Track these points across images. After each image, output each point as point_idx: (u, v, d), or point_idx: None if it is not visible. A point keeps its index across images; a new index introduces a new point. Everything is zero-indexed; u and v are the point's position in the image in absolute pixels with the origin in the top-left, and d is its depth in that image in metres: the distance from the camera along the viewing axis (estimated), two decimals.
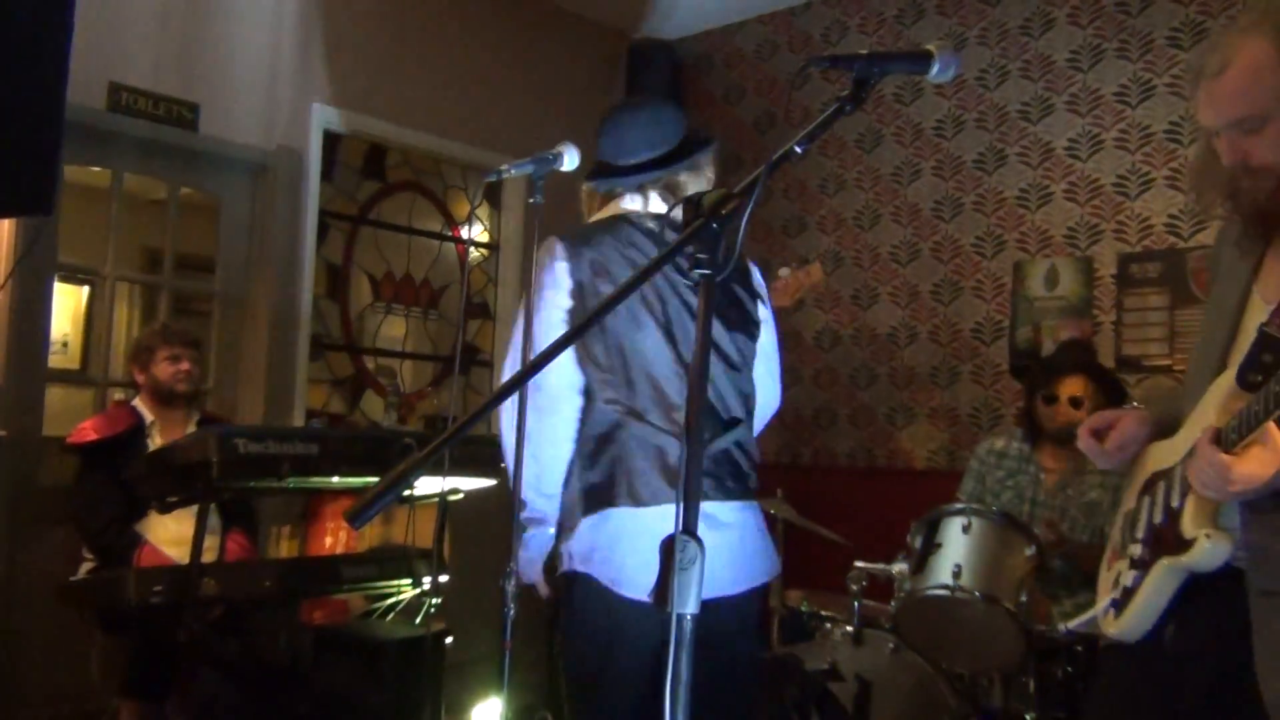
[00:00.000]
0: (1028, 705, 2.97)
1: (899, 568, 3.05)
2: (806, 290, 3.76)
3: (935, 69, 1.52)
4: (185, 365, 3.73)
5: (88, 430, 3.59)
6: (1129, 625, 1.78)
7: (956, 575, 2.85)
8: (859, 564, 3.24)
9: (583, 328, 1.38)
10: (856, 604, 3.21)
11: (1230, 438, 1.62)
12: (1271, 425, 1.55)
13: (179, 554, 3.50)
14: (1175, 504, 1.75)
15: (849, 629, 3.22)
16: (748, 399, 2.38)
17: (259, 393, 4.50)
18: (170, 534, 3.55)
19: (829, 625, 3.36)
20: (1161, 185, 4.21)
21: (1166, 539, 1.75)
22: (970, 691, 3.10)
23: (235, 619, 3.51)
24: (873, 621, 3.29)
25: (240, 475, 2.84)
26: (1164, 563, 1.73)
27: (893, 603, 3.07)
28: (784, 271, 3.89)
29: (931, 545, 2.97)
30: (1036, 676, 2.96)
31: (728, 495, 2.24)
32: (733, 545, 2.21)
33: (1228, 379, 1.72)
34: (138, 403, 3.76)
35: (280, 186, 4.58)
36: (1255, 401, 1.60)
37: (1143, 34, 4.32)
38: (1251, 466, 1.56)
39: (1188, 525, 1.69)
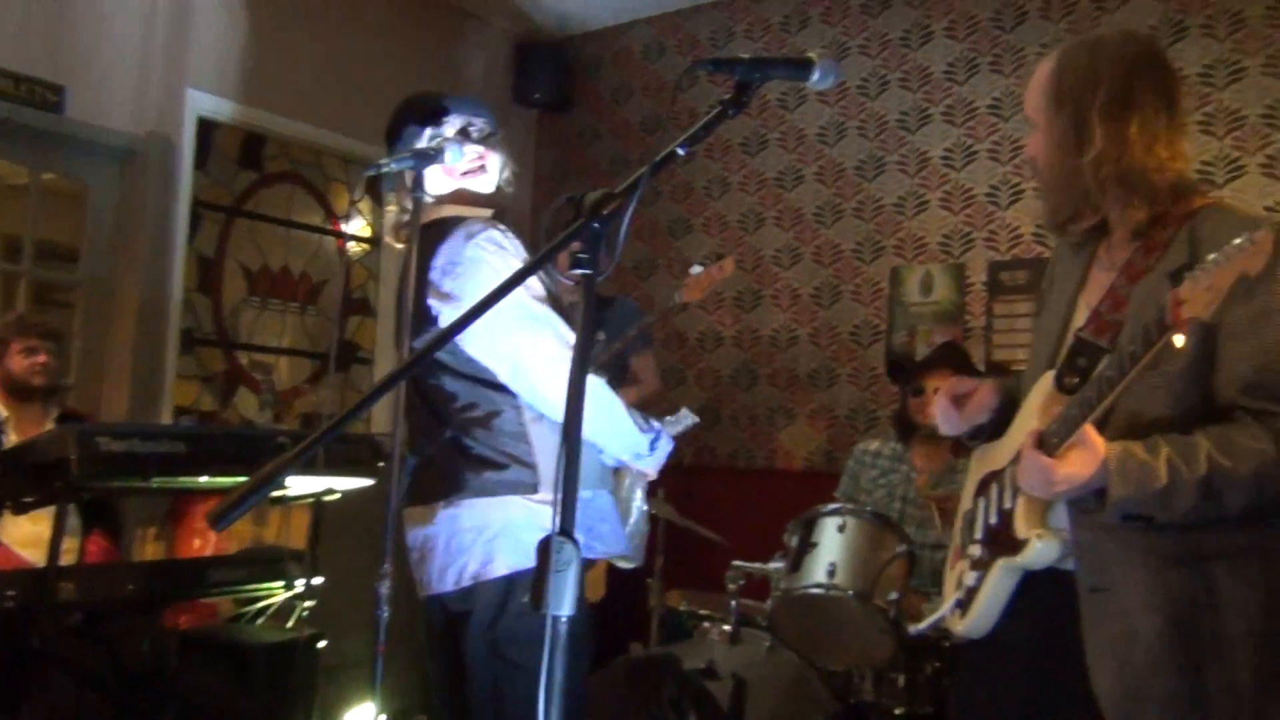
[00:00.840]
0: (898, 700, 3.04)
1: (775, 567, 3.09)
2: (720, 285, 3.81)
3: (816, 76, 1.55)
4: (41, 358, 3.57)
5: None
6: (973, 624, 1.84)
7: (831, 574, 2.90)
8: (737, 563, 3.28)
9: (462, 325, 1.36)
10: (734, 603, 3.25)
11: (1052, 440, 1.69)
12: (1088, 427, 1.63)
13: (35, 555, 3.34)
14: (1007, 505, 1.83)
15: (726, 628, 3.26)
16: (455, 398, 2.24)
17: (124, 389, 4.33)
18: (25, 534, 3.38)
19: (707, 624, 3.40)
20: (1030, 196, 4.37)
21: (1001, 539, 1.82)
22: (843, 687, 3.16)
23: (96, 624, 3.37)
24: (750, 620, 3.33)
25: (102, 475, 2.72)
26: (1000, 563, 1.80)
27: (769, 601, 3.11)
28: (695, 269, 3.92)
29: (807, 544, 3.02)
30: (906, 672, 3.04)
31: (428, 499, 2.21)
32: (437, 547, 2.19)
33: (1047, 382, 1.82)
34: None
35: (151, 174, 4.41)
36: (1072, 405, 1.69)
37: (1015, 49, 4.47)
38: (1072, 467, 1.64)
39: (1020, 526, 1.76)
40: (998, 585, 1.80)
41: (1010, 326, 4.38)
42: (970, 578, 1.87)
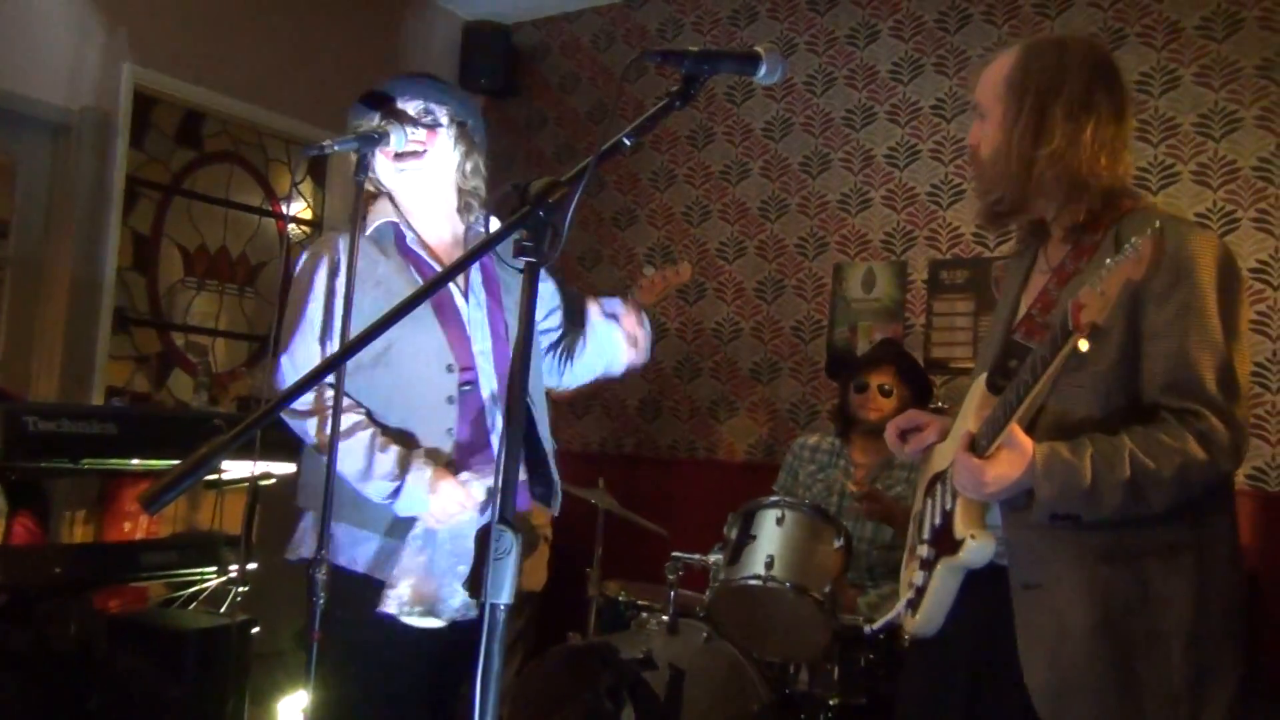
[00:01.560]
0: (832, 691, 3.08)
1: (715, 558, 3.12)
2: (673, 289, 3.82)
3: (763, 71, 1.56)
4: None
5: None
6: (923, 623, 1.87)
7: (769, 566, 2.92)
8: (676, 554, 3.29)
9: (406, 308, 1.35)
10: (672, 593, 3.27)
11: (982, 443, 1.73)
12: (1015, 428, 1.67)
13: None
14: (948, 506, 1.87)
15: (664, 618, 3.27)
16: None
17: (54, 367, 4.23)
18: None
19: (645, 615, 3.41)
20: (971, 197, 4.42)
21: (944, 539, 1.86)
22: (779, 678, 3.20)
23: (21, 607, 3.30)
24: (688, 611, 3.35)
25: (29, 455, 2.67)
26: (943, 562, 1.83)
27: (708, 592, 3.13)
28: (649, 270, 3.91)
29: (747, 536, 3.05)
30: (840, 664, 3.08)
31: None
32: None
33: (980, 384, 1.85)
34: None
35: (84, 149, 4.30)
36: (999, 406, 1.73)
37: (959, 51, 4.53)
38: (1001, 468, 1.68)
39: (958, 526, 1.80)
40: (942, 584, 1.83)
41: (949, 324, 4.45)
42: (919, 577, 1.90)
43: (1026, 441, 1.66)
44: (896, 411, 3.60)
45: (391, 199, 2.37)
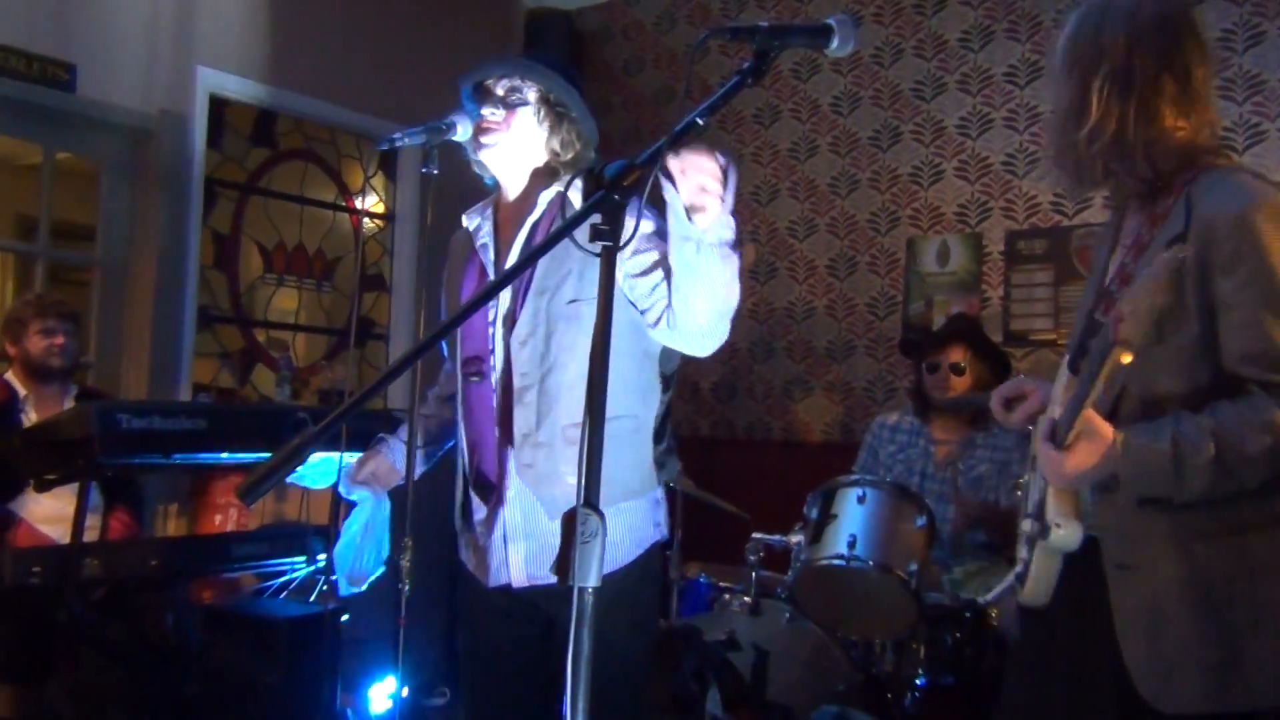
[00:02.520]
0: (918, 670, 3.05)
1: (795, 539, 3.10)
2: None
3: (835, 43, 1.53)
4: (59, 339, 3.58)
5: None
6: (1030, 595, 1.84)
7: (851, 545, 2.90)
8: (756, 535, 3.28)
9: (490, 293, 1.35)
10: (754, 574, 3.26)
11: (1062, 431, 1.67)
12: (1092, 416, 1.61)
13: (56, 532, 3.38)
14: (1043, 486, 1.82)
15: (746, 599, 3.27)
16: None
17: (143, 367, 4.35)
18: (47, 511, 3.42)
19: (727, 596, 3.41)
20: (1049, 164, 4.32)
21: (1040, 519, 1.82)
22: (864, 658, 3.17)
23: (120, 599, 3.40)
24: (769, 592, 3.34)
25: (123, 452, 2.74)
26: (1038, 543, 1.80)
27: (789, 573, 3.12)
28: None
29: (827, 516, 3.02)
30: (927, 643, 3.05)
31: None
32: None
33: (1064, 365, 1.81)
34: (10, 376, 3.61)
35: (164, 152, 4.41)
36: (1077, 390, 1.66)
37: (1031, 15, 4.42)
38: (1080, 459, 1.63)
39: (1048, 510, 1.76)
40: (1043, 562, 1.80)
41: (1028, 296, 4.36)
42: (1024, 551, 1.87)
43: (1104, 428, 1.61)
44: (971, 389, 3.54)
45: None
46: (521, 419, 2.13)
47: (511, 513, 2.15)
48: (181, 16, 4.46)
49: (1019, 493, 2.91)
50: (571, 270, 2.15)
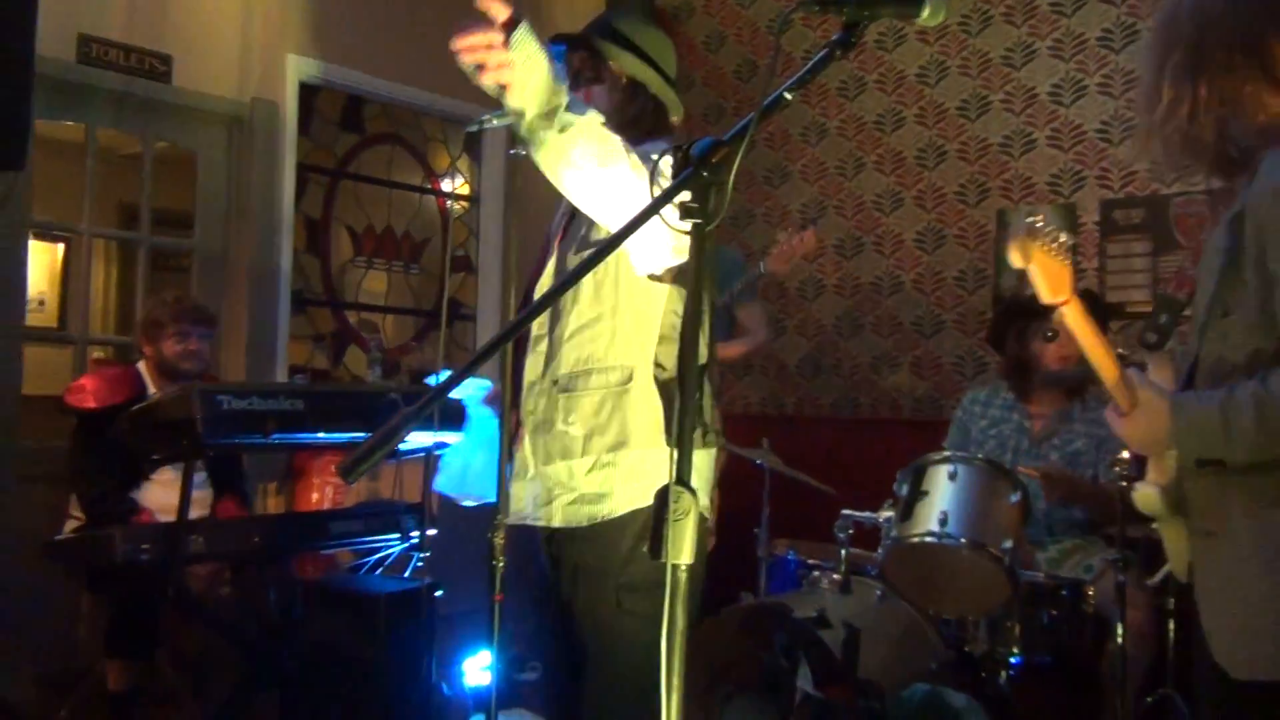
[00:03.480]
0: (1013, 648, 3.00)
1: (886, 515, 3.07)
2: (801, 257, 3.80)
3: (926, 11, 1.49)
4: (193, 344, 3.63)
5: (87, 396, 3.48)
6: (1176, 570, 1.86)
7: (943, 522, 2.86)
8: (846, 512, 3.26)
9: (577, 276, 1.36)
10: (844, 552, 3.24)
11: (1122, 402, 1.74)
12: (1140, 390, 1.70)
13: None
14: None
15: (836, 576, 3.25)
16: None
17: (240, 349, 4.47)
18: (167, 501, 3.52)
19: (816, 573, 3.39)
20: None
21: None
22: (957, 636, 3.14)
23: (225, 575, 3.52)
24: (859, 569, 3.32)
25: (225, 432, 2.82)
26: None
27: (879, 550, 3.09)
28: (782, 236, 3.91)
29: (918, 493, 2.99)
30: (1021, 621, 3.00)
31: None
32: None
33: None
34: (143, 369, 3.66)
35: (257, 139, 4.51)
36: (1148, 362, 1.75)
37: None
38: (1139, 427, 1.72)
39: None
40: (1166, 534, 1.83)
41: (1125, 267, 4.23)
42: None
43: (1154, 398, 1.69)
44: (1081, 360, 3.46)
45: None
46: (530, 366, 2.21)
47: (521, 455, 2.22)
48: (273, 5, 4.55)
49: (1116, 469, 2.85)
50: (586, 217, 2.15)
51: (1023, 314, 3.59)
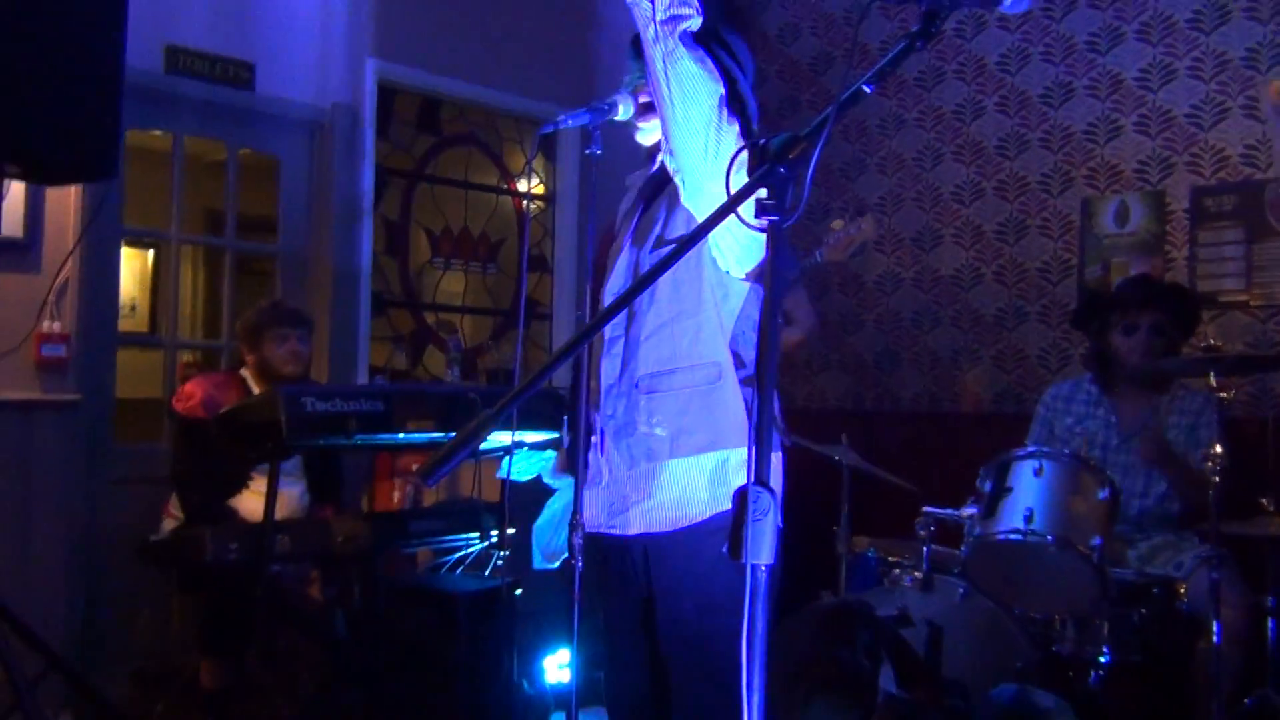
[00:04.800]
0: (1101, 648, 2.93)
1: (969, 513, 3.02)
2: (859, 244, 3.72)
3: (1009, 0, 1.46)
4: (293, 345, 3.67)
5: (196, 405, 3.51)
6: None
7: (1029, 519, 2.81)
8: (927, 509, 3.21)
9: (655, 274, 1.36)
10: (926, 549, 3.19)
11: None
12: None
13: None
14: None
15: (918, 574, 3.20)
16: None
17: (323, 351, 4.54)
18: (257, 509, 3.60)
19: (897, 571, 3.35)
20: (1238, 114, 4.06)
21: None
22: (1043, 635, 3.07)
23: (312, 574, 3.59)
24: (941, 567, 3.27)
25: (309, 434, 2.87)
26: None
27: (963, 547, 3.04)
28: (837, 224, 3.84)
29: (1002, 489, 2.93)
30: (1111, 619, 2.92)
31: None
32: None
33: None
34: (246, 374, 3.72)
35: (337, 144, 4.59)
36: None
37: None
38: None
39: None
40: None
41: (1217, 256, 4.10)
42: None
43: None
44: (1166, 352, 3.36)
45: None
46: (607, 369, 2.16)
47: (596, 460, 2.18)
48: (351, 10, 4.62)
49: (1209, 463, 2.76)
50: (660, 214, 2.15)
51: (1104, 307, 3.51)
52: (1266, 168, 3.99)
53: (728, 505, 2.04)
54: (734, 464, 2.07)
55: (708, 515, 2.06)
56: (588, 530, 2.15)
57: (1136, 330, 3.35)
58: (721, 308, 2.12)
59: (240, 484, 3.55)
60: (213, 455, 3.44)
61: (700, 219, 2.05)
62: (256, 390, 3.67)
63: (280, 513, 3.54)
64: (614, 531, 2.16)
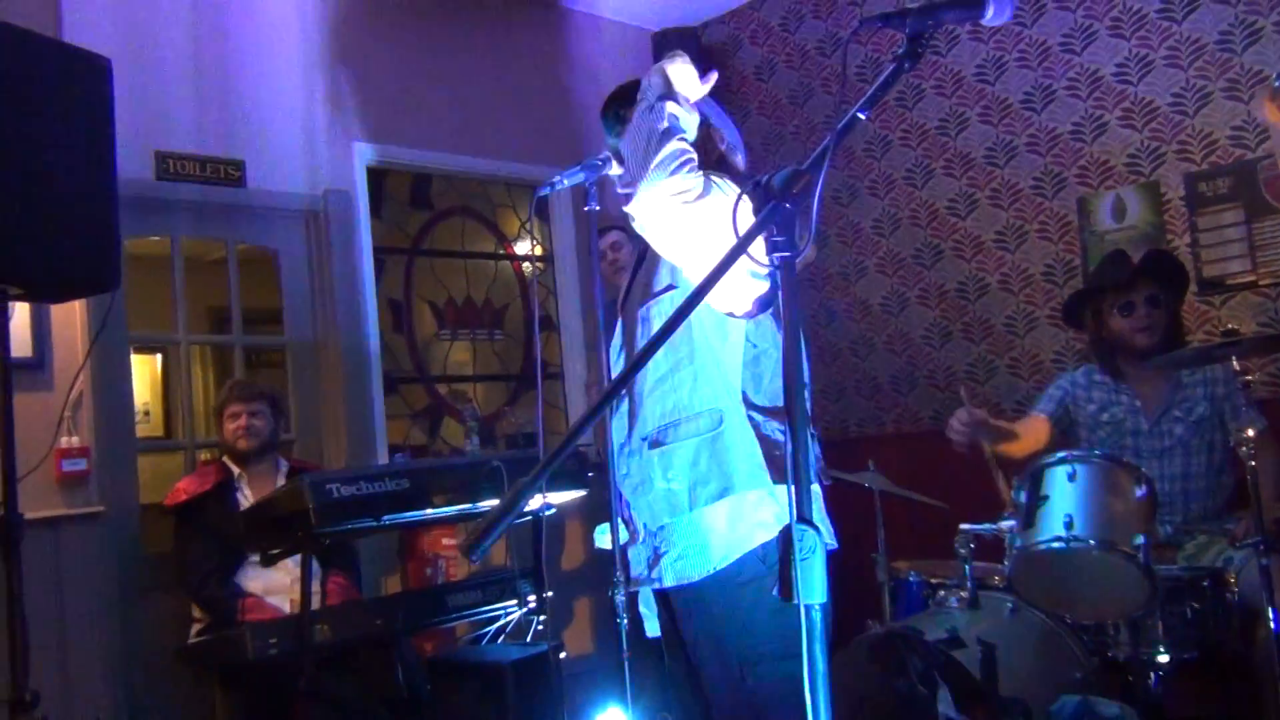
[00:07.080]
0: (1157, 647, 2.88)
1: (1008, 526, 2.98)
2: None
3: (990, 11, 1.47)
4: (242, 422, 3.78)
5: (180, 491, 3.70)
6: None
7: (1069, 525, 2.77)
8: (965, 526, 3.17)
9: (673, 324, 1.35)
10: (968, 567, 3.15)
11: None
12: None
13: (278, 600, 3.56)
14: None
15: (963, 594, 3.16)
16: None
17: (341, 434, 4.54)
18: (272, 583, 3.60)
19: (941, 593, 3.30)
20: (1220, 98, 4.07)
21: None
22: (1096, 641, 3.02)
23: (349, 659, 3.55)
24: (986, 583, 3.23)
25: (338, 520, 2.86)
26: None
27: (1005, 562, 3.00)
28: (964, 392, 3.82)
29: (1038, 498, 2.90)
30: (1164, 618, 2.88)
31: None
32: None
33: None
34: (225, 458, 3.83)
35: (333, 229, 4.61)
36: None
37: None
38: None
39: None
40: None
41: (1219, 239, 4.09)
42: None
43: None
44: (1168, 321, 3.32)
45: None
46: (616, 430, 2.18)
47: (623, 519, 2.21)
48: (333, 98, 4.66)
49: (1243, 449, 2.72)
50: (655, 269, 2.16)
51: (1092, 294, 3.49)
52: (1256, 147, 3.99)
53: (750, 544, 2.04)
54: (750, 502, 2.06)
55: (735, 558, 2.05)
56: (633, 588, 2.14)
57: (1134, 308, 3.33)
58: (721, 350, 2.11)
59: (239, 561, 3.59)
60: (204, 535, 3.59)
61: (647, 234, 2.08)
62: (235, 469, 3.76)
63: (285, 585, 3.55)
64: (653, 584, 2.15)
